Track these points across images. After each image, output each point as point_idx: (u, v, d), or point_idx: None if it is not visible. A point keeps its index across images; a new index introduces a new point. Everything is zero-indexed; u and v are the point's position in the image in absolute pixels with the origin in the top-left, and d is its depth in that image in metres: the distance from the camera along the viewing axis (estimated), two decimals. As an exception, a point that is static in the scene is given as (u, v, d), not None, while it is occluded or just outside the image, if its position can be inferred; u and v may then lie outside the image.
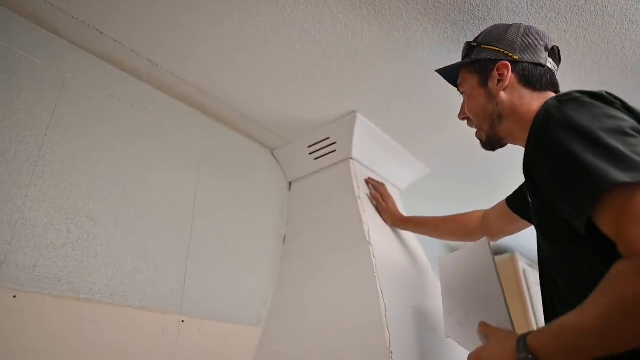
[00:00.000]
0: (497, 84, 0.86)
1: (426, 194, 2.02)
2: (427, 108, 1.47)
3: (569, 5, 1.10)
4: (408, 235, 1.49)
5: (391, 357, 0.98)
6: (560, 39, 1.20)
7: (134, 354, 1.02)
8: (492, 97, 0.87)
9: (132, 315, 1.04)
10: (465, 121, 0.97)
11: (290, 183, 1.67)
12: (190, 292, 1.19)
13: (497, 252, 2.81)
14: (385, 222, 1.44)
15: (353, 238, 1.30)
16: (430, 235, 1.39)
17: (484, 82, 0.89)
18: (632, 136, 0.58)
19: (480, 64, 0.90)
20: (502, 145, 0.91)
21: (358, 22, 1.13)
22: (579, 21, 1.15)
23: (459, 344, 0.92)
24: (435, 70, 1.01)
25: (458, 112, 0.99)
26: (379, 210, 1.45)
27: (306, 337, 1.20)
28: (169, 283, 1.15)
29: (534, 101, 0.82)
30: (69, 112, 1.07)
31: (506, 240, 2.61)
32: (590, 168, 0.56)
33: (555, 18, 1.14)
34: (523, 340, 0.65)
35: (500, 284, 0.87)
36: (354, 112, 1.46)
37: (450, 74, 0.99)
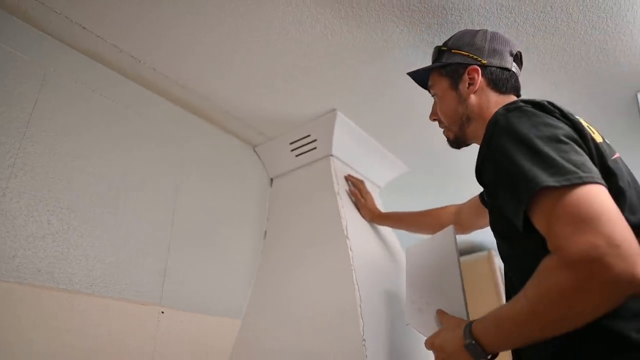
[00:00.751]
0: (468, 87, 0.91)
1: (405, 190, 2.07)
2: (404, 107, 1.52)
3: (535, 11, 1.16)
4: (385, 230, 1.54)
5: (364, 345, 1.02)
6: (528, 43, 1.26)
7: (113, 344, 1.03)
8: (462, 99, 0.92)
9: (111, 306, 1.06)
10: (437, 122, 1.02)
11: (271, 179, 1.70)
12: (171, 284, 1.21)
13: (474, 249, 2.89)
14: (363, 217, 1.48)
15: (331, 233, 1.34)
16: (407, 230, 1.44)
17: (454, 86, 0.93)
18: (565, 143, 0.63)
19: (451, 68, 0.94)
20: (467, 145, 0.97)
21: (337, 23, 1.16)
22: (545, 26, 1.21)
23: (418, 331, 0.96)
24: (407, 73, 1.05)
25: (429, 114, 1.03)
26: (358, 206, 1.50)
27: (284, 328, 1.24)
28: (149, 275, 1.17)
29: (499, 104, 0.86)
30: (50, 106, 1.08)
31: (483, 238, 2.68)
32: (525, 173, 0.61)
33: (523, 23, 1.19)
34: (469, 328, 0.71)
35: (460, 273, 0.91)
36: (334, 110, 1.50)
37: (420, 77, 1.03)
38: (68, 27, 1.13)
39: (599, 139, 0.73)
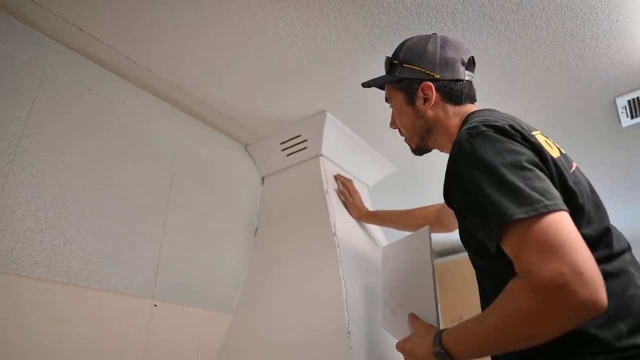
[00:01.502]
0: (424, 103, 0.92)
1: (393, 190, 2.12)
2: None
3: (516, 19, 1.21)
4: (373, 228, 1.59)
5: (349, 337, 1.07)
6: (510, 48, 1.31)
7: (107, 336, 1.07)
8: (420, 114, 0.94)
9: (106, 299, 1.10)
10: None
11: (263, 178, 1.75)
12: (163, 278, 1.25)
13: (457, 250, 2.95)
14: (351, 216, 1.53)
15: (320, 230, 1.39)
16: (394, 228, 1.49)
17: (410, 101, 0.94)
18: (528, 170, 0.66)
19: (404, 83, 0.95)
20: (429, 151, 1.00)
21: (326, 28, 1.21)
22: (526, 33, 1.26)
23: (391, 334, 0.98)
24: (362, 85, 1.06)
25: (389, 122, 1.05)
26: (346, 204, 1.54)
27: (273, 322, 1.28)
28: (143, 269, 1.21)
29: (456, 115, 0.91)
30: (48, 105, 1.12)
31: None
32: (495, 204, 0.64)
33: (505, 29, 1.25)
34: (439, 337, 0.74)
35: (434, 276, 0.91)
36: (324, 111, 1.54)
37: (380, 85, 1.04)
38: (65, 29, 1.16)
39: (556, 154, 0.76)
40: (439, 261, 3.00)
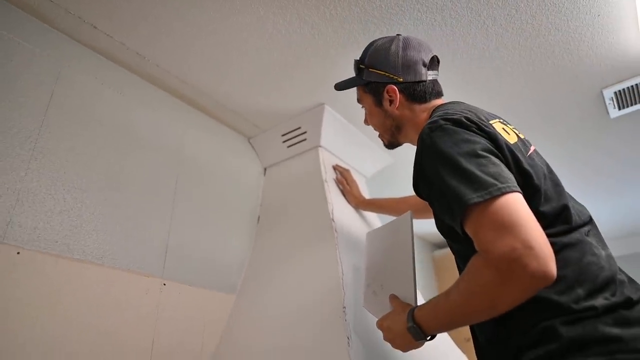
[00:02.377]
0: (390, 105, 0.99)
1: (390, 181, 2.19)
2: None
3: (502, 14, 1.28)
4: (370, 214, 1.67)
5: (344, 312, 1.15)
6: (497, 43, 1.38)
7: (121, 310, 1.16)
8: (388, 114, 1.01)
9: (119, 276, 1.19)
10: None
11: (265, 169, 1.83)
12: (172, 259, 1.34)
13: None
14: (349, 203, 1.61)
15: (318, 216, 1.47)
16: (389, 214, 1.56)
17: (378, 103, 1.02)
18: (483, 157, 0.73)
19: (371, 86, 1.02)
20: (400, 145, 1.08)
21: (322, 24, 1.29)
22: (512, 27, 1.33)
23: (372, 313, 1.03)
24: (335, 87, 1.13)
25: (363, 120, 1.11)
26: (344, 193, 1.62)
27: (274, 301, 1.36)
28: (153, 250, 1.30)
29: (423, 112, 0.98)
30: (65, 97, 1.21)
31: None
32: (453, 191, 0.70)
33: (492, 24, 1.32)
34: (411, 313, 0.82)
35: (414, 258, 0.96)
36: (322, 104, 1.62)
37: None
38: (81, 27, 1.25)
39: (513, 140, 0.82)
40: (437, 253, 3.07)
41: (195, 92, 1.56)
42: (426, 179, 0.79)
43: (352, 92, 1.55)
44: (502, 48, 1.41)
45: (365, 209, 1.62)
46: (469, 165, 0.71)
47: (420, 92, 0.98)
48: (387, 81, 0.99)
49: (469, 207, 0.68)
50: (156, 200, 1.36)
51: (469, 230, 0.70)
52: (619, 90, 1.61)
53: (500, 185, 0.67)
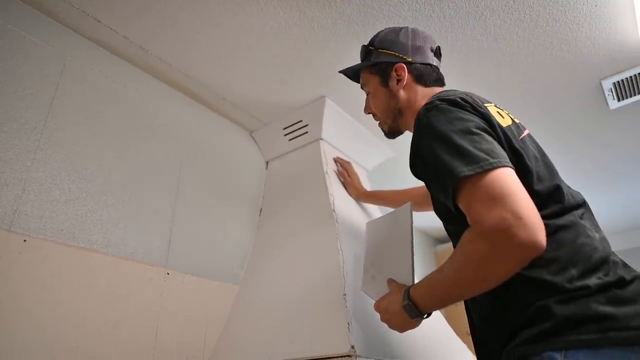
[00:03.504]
0: (397, 84, 1.01)
1: (392, 174, 2.20)
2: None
3: (500, 5, 1.30)
4: (370, 205, 1.68)
5: (345, 299, 1.17)
6: (496, 34, 1.39)
7: (124, 299, 1.18)
8: (392, 95, 1.02)
9: (123, 265, 1.21)
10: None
11: (267, 162, 1.85)
12: (175, 249, 1.36)
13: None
14: (350, 195, 1.62)
15: (320, 207, 1.48)
16: (389, 206, 1.58)
17: (384, 83, 1.02)
18: (476, 134, 0.74)
19: (379, 67, 1.03)
20: (401, 134, 1.09)
21: (322, 16, 1.31)
22: (510, 18, 1.35)
23: (370, 296, 1.05)
24: (339, 71, 1.15)
25: (363, 108, 1.13)
26: (345, 185, 1.64)
27: (277, 290, 1.38)
28: (156, 240, 1.32)
29: (424, 97, 0.98)
30: (69, 89, 1.23)
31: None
32: (446, 165, 0.71)
33: (490, 15, 1.33)
34: (407, 291, 0.83)
35: (412, 245, 0.98)
36: (323, 97, 1.64)
37: (353, 75, 1.13)
38: (85, 20, 1.27)
39: (506, 123, 0.84)
40: (439, 248, 3.09)
41: (197, 86, 1.57)
42: (422, 157, 0.81)
43: (354, 84, 1.58)
44: (501, 39, 1.42)
45: (366, 201, 1.63)
46: (462, 142, 0.73)
47: (426, 74, 1.01)
48: (396, 60, 1.01)
49: (460, 180, 0.69)
50: (160, 191, 1.38)
51: (461, 205, 0.71)
52: (618, 81, 1.62)
53: (492, 160, 0.69)
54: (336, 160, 1.70)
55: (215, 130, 1.68)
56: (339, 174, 1.66)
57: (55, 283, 1.06)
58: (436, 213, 0.94)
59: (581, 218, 0.80)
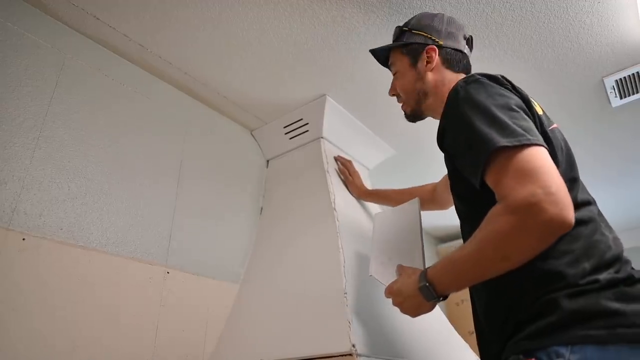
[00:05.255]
0: (426, 65, 1.01)
1: (393, 172, 2.20)
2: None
3: (502, 2, 1.29)
4: (371, 204, 1.67)
5: (346, 297, 1.16)
6: (497, 31, 1.39)
7: (124, 297, 1.18)
8: (420, 76, 1.02)
9: (123, 264, 1.20)
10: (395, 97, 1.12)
11: (267, 161, 1.84)
12: (175, 248, 1.35)
13: (458, 237, 3.01)
14: (351, 194, 1.62)
15: (320, 206, 1.48)
16: (391, 205, 1.56)
17: (413, 63, 1.03)
18: (515, 111, 0.75)
19: (411, 47, 1.04)
20: (423, 118, 1.08)
21: (323, 13, 1.30)
22: (512, 16, 1.34)
23: (379, 281, 1.04)
24: (370, 50, 1.14)
25: (389, 89, 1.13)
26: (346, 183, 1.63)
27: (277, 289, 1.37)
28: (156, 239, 1.31)
29: (452, 82, 0.93)
30: (69, 88, 1.23)
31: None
32: (483, 135, 0.70)
33: (491, 12, 1.32)
34: (424, 273, 0.81)
35: (422, 235, 0.99)
36: (324, 95, 1.63)
37: (382, 55, 1.13)
38: (84, 18, 1.27)
39: (540, 111, 0.85)
40: (442, 247, 3.08)
41: (197, 84, 1.57)
42: (454, 128, 0.80)
43: (355, 82, 1.58)
44: (503, 36, 1.41)
45: (367, 200, 1.62)
46: (502, 115, 0.72)
47: (456, 60, 1.02)
48: (429, 42, 1.02)
49: (496, 150, 0.68)
50: (160, 190, 1.38)
51: (490, 178, 0.70)
52: (621, 79, 1.61)
53: (530, 137, 0.69)
54: (337, 159, 1.69)
55: (215, 128, 1.68)
56: (340, 173, 1.65)
57: (54, 282, 1.05)
58: (451, 189, 0.92)
59: (597, 214, 0.80)
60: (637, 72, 1.57)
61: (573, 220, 0.63)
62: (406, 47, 1.06)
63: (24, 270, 1.01)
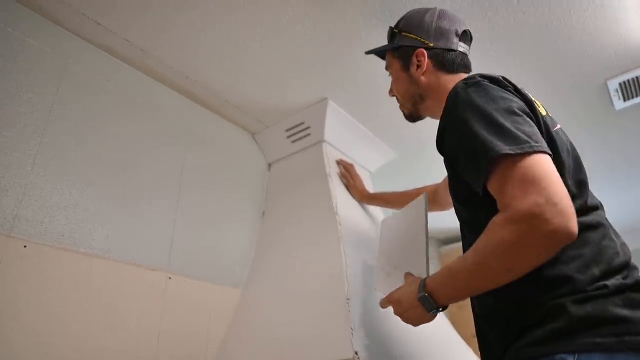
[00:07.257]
0: (417, 70, 0.98)
1: (395, 175, 2.18)
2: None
3: (504, 5, 1.28)
4: (374, 208, 1.67)
5: (348, 303, 1.15)
6: (499, 33, 1.38)
7: (126, 302, 1.17)
8: (413, 80, 0.99)
9: (125, 269, 1.20)
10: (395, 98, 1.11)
11: (269, 164, 1.84)
12: (177, 253, 1.35)
13: (460, 239, 2.99)
14: (353, 197, 1.61)
15: (322, 210, 1.47)
16: (393, 208, 1.56)
17: (405, 68, 1.00)
18: (518, 115, 0.72)
19: (401, 51, 1.01)
20: (422, 119, 1.06)
21: (324, 18, 1.29)
22: (514, 19, 1.33)
23: (385, 295, 1.00)
24: (365, 52, 1.13)
25: (388, 90, 1.11)
26: (348, 187, 1.62)
27: (279, 295, 1.37)
28: (158, 244, 1.31)
29: (449, 82, 0.92)
30: (70, 93, 1.23)
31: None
32: (485, 142, 0.68)
33: (494, 15, 1.32)
34: (423, 282, 0.79)
35: (427, 237, 0.95)
36: (325, 98, 1.63)
37: (382, 55, 1.12)
38: (85, 24, 1.26)
39: (543, 112, 0.83)
40: (444, 249, 3.06)
41: (199, 88, 1.56)
42: (455, 132, 0.77)
43: (356, 85, 1.58)
44: (505, 38, 1.40)
45: (369, 203, 1.62)
46: (504, 121, 0.70)
47: (449, 60, 0.97)
48: (417, 45, 0.98)
49: (499, 158, 0.66)
50: (161, 194, 1.37)
51: (492, 186, 0.69)
52: (624, 81, 1.60)
53: (533, 143, 0.67)
54: (339, 162, 1.68)
55: (217, 132, 1.67)
56: (342, 176, 1.65)
57: (55, 288, 1.05)
58: (452, 194, 0.90)
59: (604, 220, 0.79)
60: (641, 75, 1.56)
61: (577, 231, 0.61)
62: (397, 50, 1.03)
63: (26, 277, 1.01)
